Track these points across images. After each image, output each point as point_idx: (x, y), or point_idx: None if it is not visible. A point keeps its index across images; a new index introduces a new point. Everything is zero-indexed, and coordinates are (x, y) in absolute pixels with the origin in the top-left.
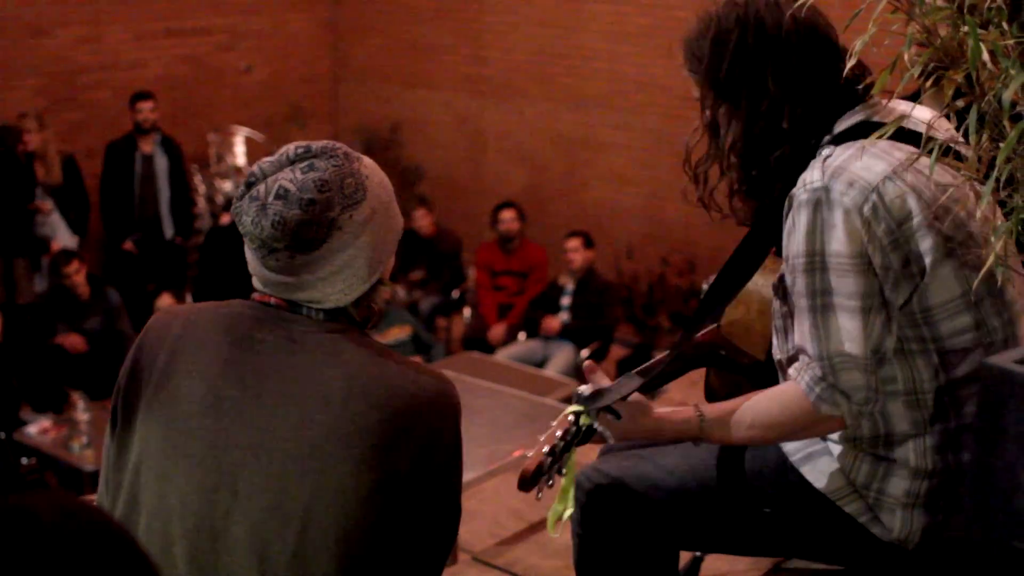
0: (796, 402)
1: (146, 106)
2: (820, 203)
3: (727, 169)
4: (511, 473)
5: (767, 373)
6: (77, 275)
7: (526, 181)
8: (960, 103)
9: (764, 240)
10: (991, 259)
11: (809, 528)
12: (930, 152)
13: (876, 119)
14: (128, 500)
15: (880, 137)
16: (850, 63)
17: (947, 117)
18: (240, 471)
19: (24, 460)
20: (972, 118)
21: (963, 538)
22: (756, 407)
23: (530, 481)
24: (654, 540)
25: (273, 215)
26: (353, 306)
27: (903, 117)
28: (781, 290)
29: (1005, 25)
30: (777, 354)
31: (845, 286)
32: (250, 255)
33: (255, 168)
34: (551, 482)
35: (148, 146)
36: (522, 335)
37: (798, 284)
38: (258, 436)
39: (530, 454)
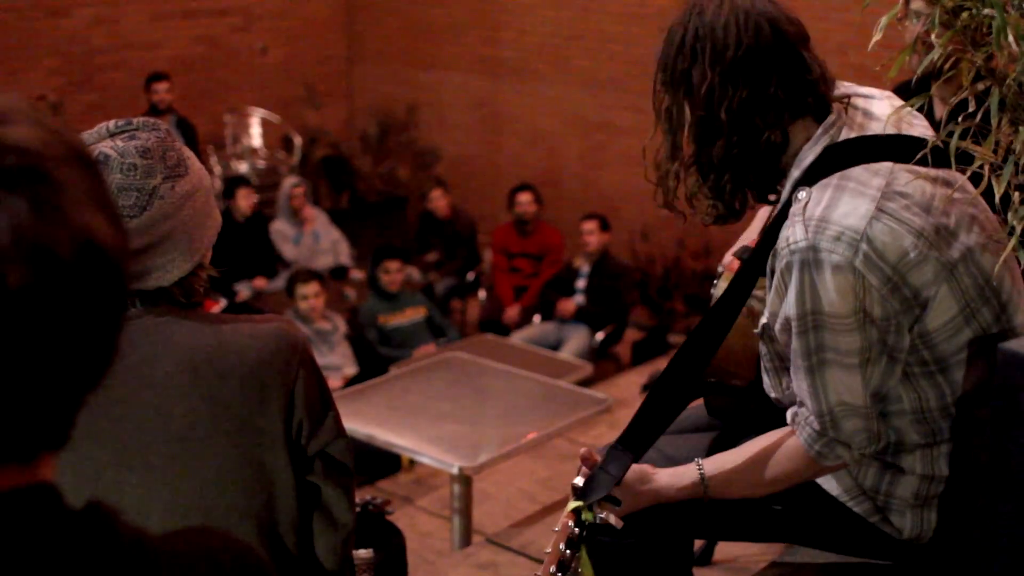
0: (798, 456)
1: (161, 87)
2: (807, 264)
3: (686, 169)
4: (525, 455)
5: (760, 392)
6: None
7: (542, 163)
8: (980, 86)
9: (740, 294)
10: (1012, 243)
11: (820, 524)
12: (922, 160)
13: (841, 139)
14: None
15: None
16: (875, 38)
17: (965, 101)
18: (122, 488)
19: None
20: (992, 101)
21: (976, 532)
22: (758, 465)
23: None
24: (665, 529)
25: None
26: (175, 287)
27: (920, 100)
28: (767, 336)
29: None
30: (772, 392)
31: (842, 344)
32: None
33: None
34: None
35: None
36: (537, 317)
37: (793, 344)
38: (125, 451)
39: (539, 574)
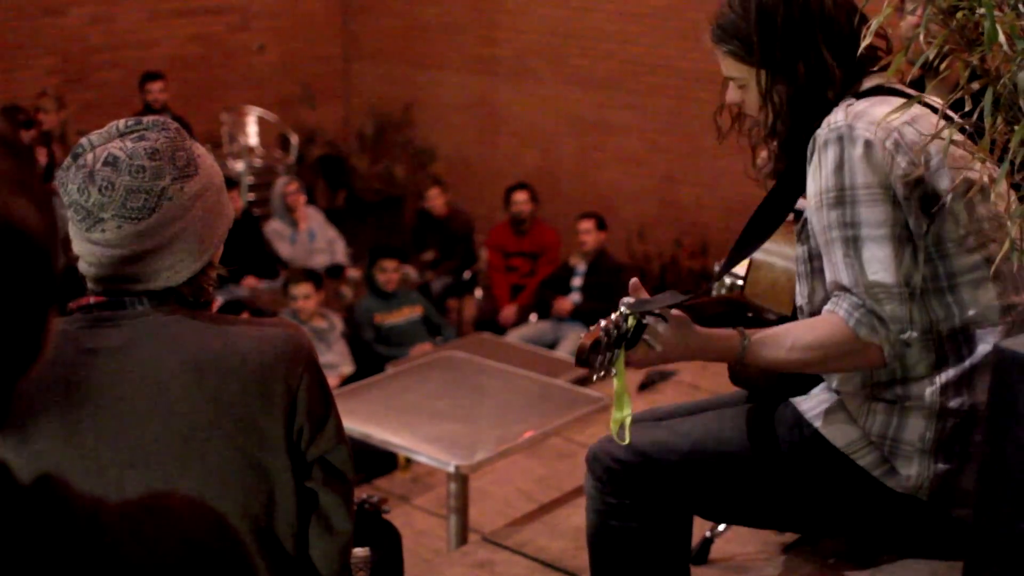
0: (836, 327)
1: (155, 87)
2: (844, 139)
3: (774, 136)
4: (522, 454)
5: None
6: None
7: (538, 162)
8: (975, 85)
9: (790, 191)
10: (1007, 244)
11: (822, 487)
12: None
13: (889, 86)
14: None
15: (902, 108)
16: (865, 43)
17: (961, 100)
18: (123, 485)
19: None
20: (987, 100)
21: (974, 491)
22: (797, 330)
23: (587, 354)
24: (668, 507)
25: (101, 181)
26: (185, 286)
27: (918, 97)
28: (804, 235)
29: (1021, 7)
30: (799, 300)
31: (874, 215)
32: (74, 232)
33: (83, 140)
34: (603, 372)
35: None
36: (533, 316)
37: (827, 218)
38: (128, 448)
39: (583, 334)
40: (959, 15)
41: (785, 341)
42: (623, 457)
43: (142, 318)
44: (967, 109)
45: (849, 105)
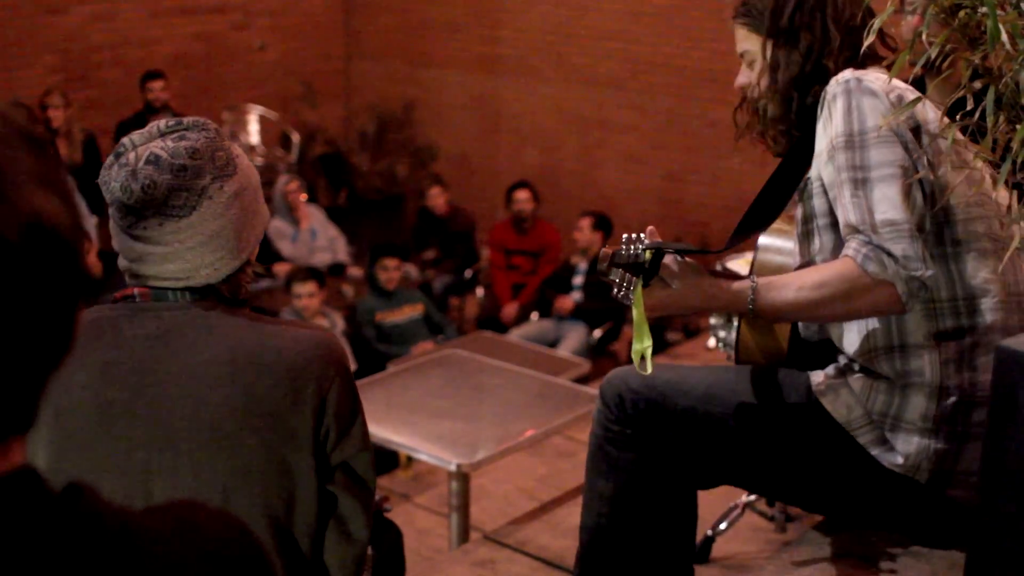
0: (845, 264)
1: (156, 85)
2: (852, 90)
3: (778, 103)
4: (523, 453)
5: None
6: (87, 255)
7: (540, 161)
8: (977, 84)
9: (795, 168)
10: (1015, 242)
11: (820, 459)
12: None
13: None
14: None
15: (903, 110)
16: (867, 41)
17: (963, 99)
18: (149, 471)
19: None
20: (989, 99)
21: (973, 473)
22: (806, 271)
23: (607, 263)
24: (666, 449)
25: (143, 179)
26: (223, 283)
27: (917, 100)
28: (807, 194)
29: (1023, 6)
30: (799, 258)
31: (882, 156)
32: (116, 229)
33: (125, 140)
34: (622, 294)
35: None
36: (535, 315)
37: (838, 160)
38: (158, 432)
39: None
40: (961, 14)
41: (794, 282)
42: (636, 387)
43: (182, 310)
44: (969, 108)
45: (855, 68)
